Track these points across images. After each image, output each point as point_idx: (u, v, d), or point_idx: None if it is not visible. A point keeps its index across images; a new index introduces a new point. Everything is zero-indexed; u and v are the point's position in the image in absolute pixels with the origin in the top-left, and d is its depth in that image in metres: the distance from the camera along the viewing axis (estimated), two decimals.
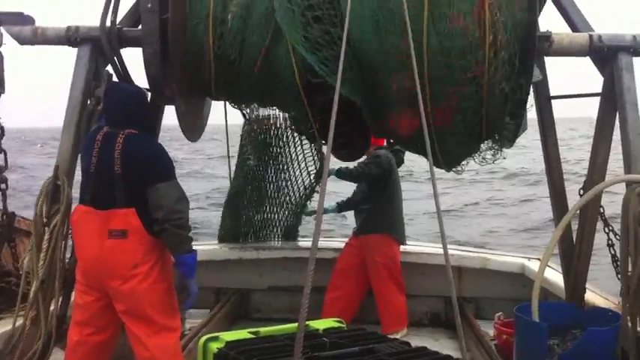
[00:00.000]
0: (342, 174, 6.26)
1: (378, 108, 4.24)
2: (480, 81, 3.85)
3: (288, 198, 6.97)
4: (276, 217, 7.02)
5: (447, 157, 4.34)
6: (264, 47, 4.23)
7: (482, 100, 3.92)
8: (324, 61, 3.97)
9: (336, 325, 2.52)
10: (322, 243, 6.68)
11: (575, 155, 25.58)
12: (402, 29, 3.65)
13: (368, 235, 6.16)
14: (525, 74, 3.90)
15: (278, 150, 6.78)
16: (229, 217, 7.00)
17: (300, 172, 6.87)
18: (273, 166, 6.83)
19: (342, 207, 6.58)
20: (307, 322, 2.50)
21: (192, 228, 3.97)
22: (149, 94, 4.38)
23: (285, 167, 6.85)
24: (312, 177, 6.81)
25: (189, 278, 3.92)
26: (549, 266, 5.30)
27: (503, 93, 3.91)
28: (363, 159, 6.13)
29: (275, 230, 7.05)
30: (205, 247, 6.63)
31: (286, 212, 7.00)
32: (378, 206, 6.18)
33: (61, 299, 4.26)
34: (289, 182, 6.91)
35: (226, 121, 6.69)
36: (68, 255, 4.30)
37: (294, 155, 6.82)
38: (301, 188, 6.91)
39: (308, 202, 6.96)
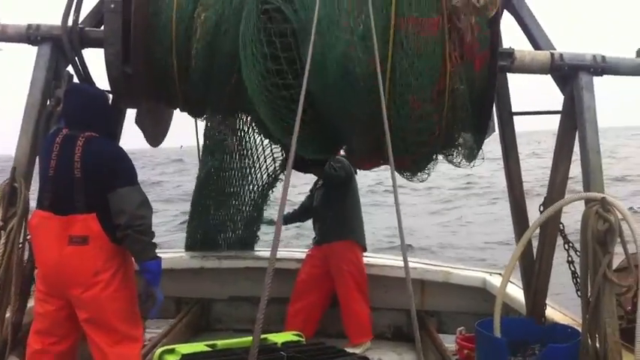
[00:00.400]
0: (308, 168, 6.06)
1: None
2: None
3: (248, 194, 6.89)
4: (237, 217, 6.94)
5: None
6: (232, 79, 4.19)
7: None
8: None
9: (295, 338, 2.49)
10: (284, 253, 6.65)
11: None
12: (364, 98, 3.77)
13: (332, 243, 6.10)
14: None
15: (238, 147, 6.69)
16: (191, 223, 6.92)
17: (260, 165, 6.78)
18: (233, 160, 6.75)
19: (287, 219, 6.56)
20: (265, 336, 2.47)
21: (155, 234, 3.90)
22: (110, 96, 4.31)
23: (246, 161, 6.76)
24: (276, 166, 6.70)
25: (155, 286, 3.85)
26: (511, 282, 5.35)
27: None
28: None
29: (234, 234, 6.97)
30: (166, 255, 6.54)
31: (245, 213, 6.91)
32: (340, 213, 6.13)
33: (17, 306, 4.16)
34: (250, 175, 6.82)
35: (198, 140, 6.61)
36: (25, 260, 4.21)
37: (253, 150, 6.72)
38: (262, 182, 6.83)
39: (265, 206, 6.88)
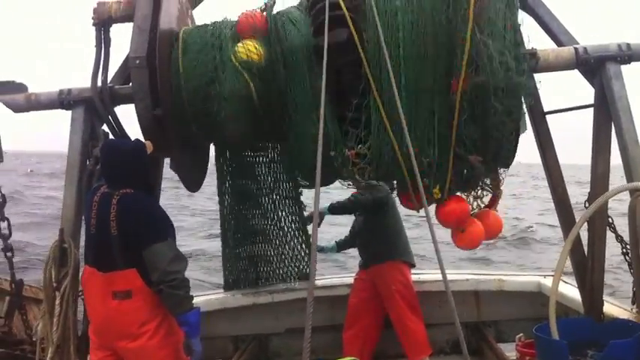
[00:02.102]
0: (335, 209, 6.20)
1: None
2: None
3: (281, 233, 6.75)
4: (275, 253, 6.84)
5: None
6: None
7: None
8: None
9: None
10: (335, 280, 6.63)
11: None
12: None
13: (377, 265, 6.08)
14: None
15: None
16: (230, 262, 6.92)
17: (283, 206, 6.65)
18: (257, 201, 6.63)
19: (340, 245, 6.55)
20: None
21: (190, 287, 3.93)
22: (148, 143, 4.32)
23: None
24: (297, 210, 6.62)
25: (193, 338, 3.88)
26: (566, 282, 5.26)
27: None
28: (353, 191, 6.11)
29: (284, 270, 6.92)
30: (218, 295, 6.58)
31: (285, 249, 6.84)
32: (380, 234, 6.12)
33: None
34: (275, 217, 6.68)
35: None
36: (80, 317, 4.31)
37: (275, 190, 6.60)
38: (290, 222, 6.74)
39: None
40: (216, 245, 7.57)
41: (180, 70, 4.32)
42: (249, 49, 4.16)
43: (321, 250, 6.73)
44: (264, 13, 4.32)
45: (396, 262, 6.07)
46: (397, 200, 6.23)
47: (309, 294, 1.67)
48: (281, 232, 6.73)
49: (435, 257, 2.53)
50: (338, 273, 7.18)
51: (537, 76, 4.53)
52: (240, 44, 4.21)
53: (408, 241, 6.34)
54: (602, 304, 4.50)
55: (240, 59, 4.16)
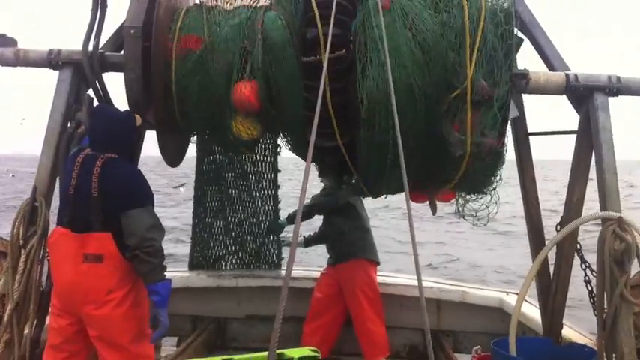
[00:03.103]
0: (292, 219, 6.59)
1: None
2: None
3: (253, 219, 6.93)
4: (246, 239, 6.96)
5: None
6: None
7: None
8: None
9: (312, 354, 2.50)
10: (301, 272, 6.66)
11: None
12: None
13: (343, 264, 6.13)
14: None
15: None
16: (197, 242, 6.94)
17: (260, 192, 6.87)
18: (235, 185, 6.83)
19: (308, 241, 6.60)
20: (282, 351, 2.49)
21: (165, 257, 3.92)
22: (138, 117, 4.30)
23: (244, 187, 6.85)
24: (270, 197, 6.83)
25: (161, 308, 3.87)
26: (527, 301, 5.33)
27: None
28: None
29: (245, 255, 6.97)
30: (182, 274, 6.58)
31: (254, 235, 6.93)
32: (347, 233, 6.18)
33: (35, 322, 4.21)
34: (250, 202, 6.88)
35: None
36: (44, 277, 4.27)
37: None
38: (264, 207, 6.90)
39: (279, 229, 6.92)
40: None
41: (175, 49, 4.32)
42: (247, 129, 4.31)
43: (288, 244, 6.75)
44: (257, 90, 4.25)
45: (361, 261, 6.13)
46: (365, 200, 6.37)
47: (283, 284, 1.68)
48: (254, 219, 6.80)
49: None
50: (303, 266, 7.17)
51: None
52: (236, 124, 4.29)
53: (374, 241, 6.40)
54: (562, 327, 4.58)
55: (239, 136, 4.33)
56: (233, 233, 6.88)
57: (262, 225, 6.87)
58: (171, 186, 34.29)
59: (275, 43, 4.13)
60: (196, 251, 6.87)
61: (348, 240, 6.16)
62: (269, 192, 6.84)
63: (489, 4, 4.04)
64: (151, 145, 4.69)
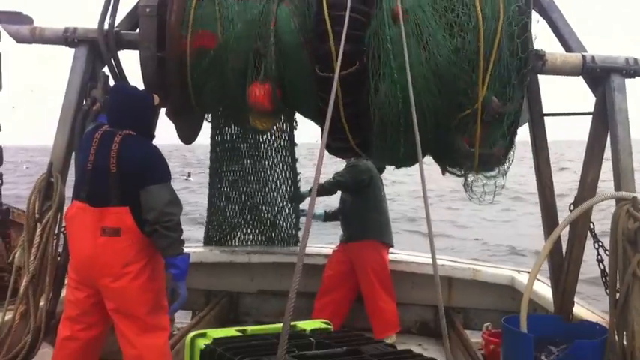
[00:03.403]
0: (330, 217, 6.57)
1: None
2: None
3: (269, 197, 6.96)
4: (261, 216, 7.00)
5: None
6: None
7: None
8: None
9: (324, 326, 2.54)
10: (313, 249, 6.70)
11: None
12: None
13: (355, 243, 6.18)
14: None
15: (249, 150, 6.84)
16: (214, 213, 6.99)
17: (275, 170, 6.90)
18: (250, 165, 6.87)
19: (328, 216, 6.63)
20: (295, 323, 2.52)
21: (183, 231, 3.95)
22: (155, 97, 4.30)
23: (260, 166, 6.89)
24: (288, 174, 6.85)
25: (179, 281, 3.91)
26: (539, 279, 5.34)
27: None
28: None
29: (261, 225, 7.01)
30: (196, 249, 6.64)
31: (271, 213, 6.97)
32: (363, 213, 6.20)
33: (51, 294, 4.27)
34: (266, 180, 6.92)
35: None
36: (60, 251, 4.32)
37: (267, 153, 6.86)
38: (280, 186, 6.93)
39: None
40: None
41: (190, 27, 4.32)
42: (263, 123, 4.53)
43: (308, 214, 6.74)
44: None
45: (374, 242, 6.18)
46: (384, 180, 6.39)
47: (298, 260, 1.70)
48: (269, 195, 6.84)
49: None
50: (316, 242, 7.21)
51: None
52: (252, 118, 4.49)
53: (389, 222, 6.42)
54: (573, 305, 4.59)
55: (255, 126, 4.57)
56: (249, 203, 6.91)
57: (278, 195, 6.90)
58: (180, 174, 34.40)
59: (288, 47, 4.18)
60: (212, 222, 6.93)
61: (363, 220, 6.19)
62: (286, 160, 6.86)
63: (506, 22, 3.99)
64: (160, 132, 4.73)
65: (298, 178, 6.89)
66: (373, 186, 6.28)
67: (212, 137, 6.72)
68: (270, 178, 6.89)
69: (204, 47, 4.32)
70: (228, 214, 6.92)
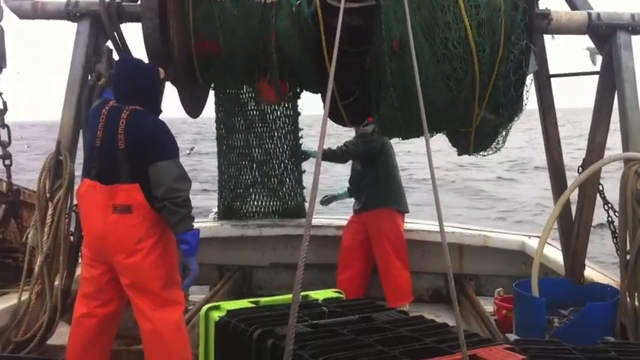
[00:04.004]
0: (326, 156, 6.24)
1: None
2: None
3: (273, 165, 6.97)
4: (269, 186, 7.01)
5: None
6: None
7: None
8: None
9: (335, 295, 2.55)
10: (324, 220, 6.73)
11: None
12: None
13: (370, 211, 6.16)
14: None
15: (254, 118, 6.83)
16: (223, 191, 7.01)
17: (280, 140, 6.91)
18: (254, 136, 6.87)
19: (351, 191, 6.60)
20: (306, 293, 2.54)
21: (192, 207, 3.95)
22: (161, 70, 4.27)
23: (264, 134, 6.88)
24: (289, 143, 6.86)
25: (190, 257, 3.92)
26: (550, 244, 5.34)
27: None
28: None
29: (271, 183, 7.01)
30: (208, 224, 6.67)
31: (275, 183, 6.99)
32: (375, 181, 6.17)
33: (65, 273, 4.31)
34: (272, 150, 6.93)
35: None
36: (72, 229, 4.35)
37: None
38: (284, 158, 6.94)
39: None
40: None
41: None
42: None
43: (334, 198, 6.75)
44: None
45: (388, 210, 6.15)
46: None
47: (305, 231, 1.71)
48: (276, 167, 6.84)
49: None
50: (326, 214, 7.23)
51: None
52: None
53: (403, 190, 6.41)
54: (584, 268, 4.60)
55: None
56: (255, 165, 6.91)
57: (285, 158, 6.93)
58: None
59: (291, 57, 4.32)
60: (224, 186, 6.94)
61: (376, 188, 6.16)
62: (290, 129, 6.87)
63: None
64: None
65: (300, 134, 6.89)
66: (385, 153, 6.23)
67: (216, 100, 6.71)
68: (275, 133, 6.89)
69: (209, 52, 4.46)
70: (239, 177, 6.92)
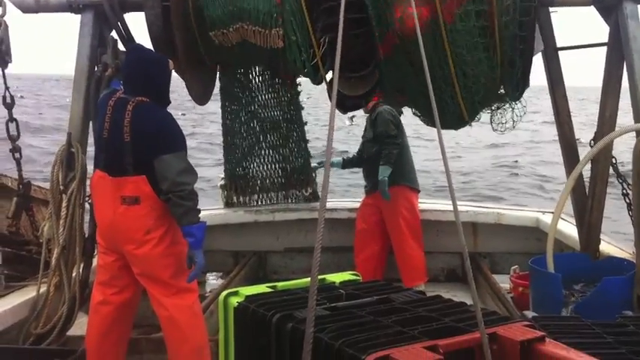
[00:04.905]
0: (347, 164, 6.59)
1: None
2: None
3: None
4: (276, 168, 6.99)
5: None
6: None
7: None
8: None
9: (352, 278, 2.56)
10: (336, 204, 6.74)
11: None
12: None
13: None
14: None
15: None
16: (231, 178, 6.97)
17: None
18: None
19: (346, 163, 6.62)
20: (323, 276, 2.54)
21: (198, 200, 3.93)
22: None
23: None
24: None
25: (195, 249, 3.91)
26: (564, 219, 5.32)
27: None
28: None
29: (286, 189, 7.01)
30: (220, 211, 6.69)
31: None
32: None
33: (82, 264, 4.34)
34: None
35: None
36: (86, 220, 4.38)
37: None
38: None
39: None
40: None
41: None
42: None
43: (320, 164, 6.78)
44: None
45: (402, 188, 6.11)
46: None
47: (320, 213, 1.71)
48: (285, 150, 6.82)
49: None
50: (339, 197, 7.24)
51: None
52: None
53: (414, 168, 6.38)
54: (599, 242, 4.59)
55: None
56: (258, 128, 6.86)
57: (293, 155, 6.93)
58: None
59: None
60: (229, 161, 6.86)
61: (394, 165, 6.03)
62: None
63: None
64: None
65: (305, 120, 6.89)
66: (399, 132, 6.20)
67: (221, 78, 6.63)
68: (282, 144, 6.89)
69: None
70: (245, 156, 6.87)
